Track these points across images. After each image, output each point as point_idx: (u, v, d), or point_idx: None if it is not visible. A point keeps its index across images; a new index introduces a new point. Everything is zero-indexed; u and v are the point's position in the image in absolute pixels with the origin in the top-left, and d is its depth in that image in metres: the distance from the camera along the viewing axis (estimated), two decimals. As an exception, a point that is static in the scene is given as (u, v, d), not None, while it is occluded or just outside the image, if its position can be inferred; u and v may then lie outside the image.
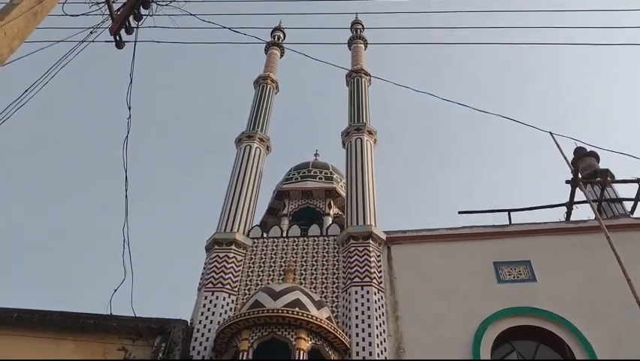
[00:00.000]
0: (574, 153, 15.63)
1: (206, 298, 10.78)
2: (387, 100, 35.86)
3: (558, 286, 10.56)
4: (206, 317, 10.42)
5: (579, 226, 11.70)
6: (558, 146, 11.86)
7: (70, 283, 35.59)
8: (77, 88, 40.50)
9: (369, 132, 14.59)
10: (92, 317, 9.92)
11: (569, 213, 13.61)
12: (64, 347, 9.68)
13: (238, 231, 12.18)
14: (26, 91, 6.89)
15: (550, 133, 11.84)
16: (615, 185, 13.85)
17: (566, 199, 13.51)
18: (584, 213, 17.09)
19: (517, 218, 12.76)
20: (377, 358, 9.41)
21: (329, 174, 15.86)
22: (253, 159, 14.22)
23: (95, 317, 9.87)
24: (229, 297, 10.89)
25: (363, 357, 9.44)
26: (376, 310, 10.22)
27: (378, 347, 9.63)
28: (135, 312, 9.52)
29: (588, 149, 14.78)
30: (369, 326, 9.92)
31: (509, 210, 12.71)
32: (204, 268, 11.60)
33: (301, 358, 8.94)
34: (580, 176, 12.74)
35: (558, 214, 13.67)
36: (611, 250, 9.70)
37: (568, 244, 11.35)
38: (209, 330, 10.17)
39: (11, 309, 10.10)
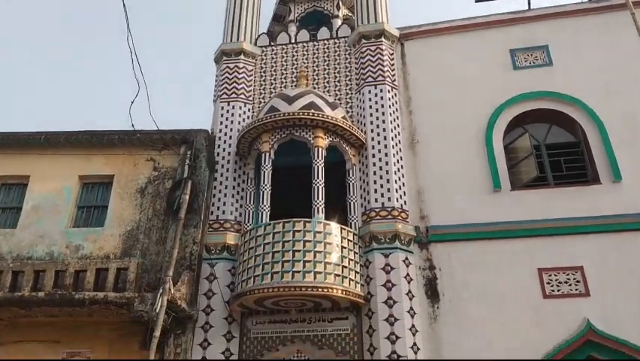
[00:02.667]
0: None
1: (222, 108, 10.97)
2: None
3: (574, 68, 10.41)
4: (226, 126, 10.73)
5: (601, 4, 11.06)
6: None
7: (91, 108, 36.36)
8: None
9: None
10: (116, 133, 10.30)
11: (591, -7, 12.79)
12: (95, 161, 10.25)
13: (245, 40, 11.89)
14: None
15: None
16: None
17: (590, -22, 12.56)
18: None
19: (537, 3, 12.13)
20: (392, 150, 9.78)
21: (335, -27, 14.78)
22: (253, -39, 13.23)
23: (120, 133, 10.25)
24: (245, 106, 11.06)
25: (379, 150, 9.81)
26: (390, 107, 10.35)
27: (392, 140, 9.95)
28: (157, 125, 9.79)
29: None
30: (383, 122, 10.14)
31: (529, -5, 12.00)
32: (216, 80, 11.62)
33: (320, 154, 9.36)
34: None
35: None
36: (633, 27, 9.36)
37: (588, 26, 10.90)
38: (230, 137, 10.54)
39: (39, 132, 10.50)
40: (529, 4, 11.92)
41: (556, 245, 8.70)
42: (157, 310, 7.73)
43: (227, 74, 11.40)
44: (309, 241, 8.43)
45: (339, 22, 13.29)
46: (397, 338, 8.10)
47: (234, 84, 11.27)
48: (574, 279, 8.45)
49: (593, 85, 10.16)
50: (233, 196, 9.88)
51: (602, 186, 9.22)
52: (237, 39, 11.90)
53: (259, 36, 12.25)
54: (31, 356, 8.46)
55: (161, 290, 7.92)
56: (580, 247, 8.64)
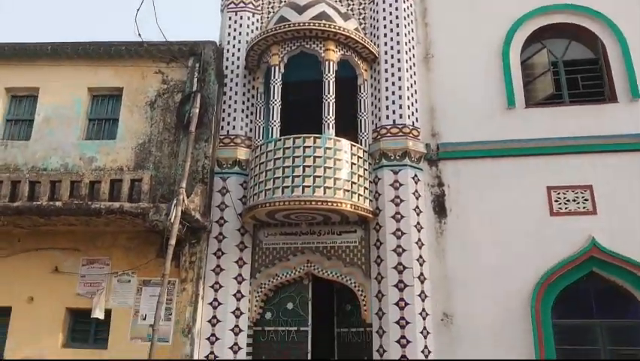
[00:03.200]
0: None
1: (230, 18, 10.60)
2: None
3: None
4: (234, 37, 10.43)
5: None
6: None
7: (98, 22, 35.47)
8: None
9: None
10: (123, 44, 10.09)
11: None
12: (103, 73, 10.13)
13: (254, -56, 11.25)
14: None
15: None
16: None
17: None
18: None
19: None
20: (405, 64, 9.55)
21: None
22: None
23: (127, 44, 10.03)
24: (253, 16, 10.68)
25: (392, 65, 9.57)
26: (405, 19, 9.96)
27: (406, 54, 9.67)
28: (164, 36, 9.54)
29: None
30: (397, 34, 9.80)
31: None
32: (224, -12, 11.14)
33: (331, 68, 9.17)
34: None
35: None
36: None
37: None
38: (239, 50, 10.29)
39: (45, 43, 10.31)
40: None
41: (567, 164, 8.70)
42: (172, 220, 7.97)
43: (234, -19, 10.90)
44: (319, 157, 8.48)
45: None
46: (404, 250, 8.36)
47: (242, -8, 10.81)
48: (582, 197, 8.53)
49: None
50: (243, 111, 9.82)
51: (618, 104, 9.06)
52: (244, -58, 11.26)
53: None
54: (52, 261, 8.89)
55: (175, 201, 8.11)
56: (591, 166, 8.64)
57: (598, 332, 8.06)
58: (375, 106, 9.47)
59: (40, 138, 9.79)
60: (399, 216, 8.56)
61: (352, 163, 8.71)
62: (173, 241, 7.95)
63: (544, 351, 7.81)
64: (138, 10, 7.83)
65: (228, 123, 9.74)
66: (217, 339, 8.46)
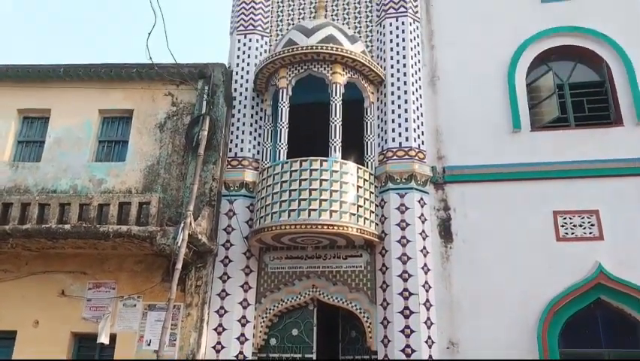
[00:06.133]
0: None
1: (239, 41, 10.75)
2: None
3: (605, 3, 9.90)
4: (243, 60, 10.56)
5: None
6: None
7: (109, 43, 35.92)
8: None
9: None
10: (134, 66, 10.23)
11: None
12: (113, 95, 10.28)
13: (263, -32, 11.42)
14: None
15: None
16: None
17: None
18: None
19: None
20: (411, 87, 9.61)
21: None
22: None
23: (138, 66, 10.17)
24: (262, 39, 10.82)
25: (398, 87, 9.64)
26: (411, 41, 10.04)
27: (412, 76, 9.74)
28: (174, 58, 9.67)
29: None
30: (403, 57, 9.88)
31: None
32: (233, 11, 11.30)
33: (338, 90, 9.25)
34: None
35: None
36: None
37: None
38: (247, 72, 10.41)
39: (57, 65, 10.48)
40: None
41: (574, 188, 8.69)
42: (179, 244, 8.02)
43: (244, 4, 11.05)
44: (326, 180, 8.53)
45: (360, -52, 12.63)
46: (410, 275, 8.36)
47: (251, 16, 10.96)
48: (588, 222, 8.50)
49: (624, 23, 9.71)
50: (250, 133, 9.92)
51: (624, 127, 9.04)
52: (254, -33, 11.43)
53: (277, -36, 11.75)
54: (58, 284, 8.95)
55: (182, 224, 8.17)
56: (597, 191, 8.61)
57: (606, 362, 7.98)
58: (382, 128, 9.52)
59: (51, 159, 9.92)
60: (405, 240, 8.57)
61: (358, 186, 8.75)
62: (179, 265, 8.00)
63: (551, 379, 7.76)
64: (149, 34, 7.97)
65: (236, 145, 9.83)
66: (221, 366, 8.44)
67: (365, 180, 8.92)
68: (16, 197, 9.14)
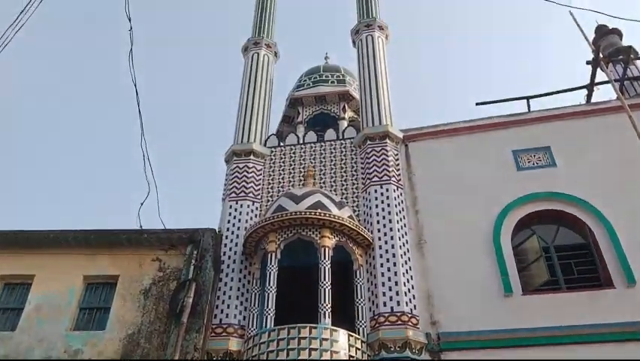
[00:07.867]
0: (595, 31, 14.98)
1: (231, 207, 11.07)
2: (396, -12, 34.02)
3: (578, 169, 10.52)
4: (233, 224, 10.77)
5: (600, 107, 11.43)
6: (578, 25, 11.37)
7: (102, 207, 36.79)
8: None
9: (380, 28, 14.06)
10: (124, 232, 10.34)
11: (589, 96, 13.26)
12: (100, 261, 10.21)
13: (255, 141, 12.25)
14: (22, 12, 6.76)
15: (570, 12, 11.28)
16: (639, 62, 13.32)
17: (587, 82, 13.08)
18: (605, 94, 16.79)
19: (536, 105, 12.52)
20: (399, 250, 9.69)
21: (341, 77, 15.52)
22: (262, 67, 13.99)
23: (127, 232, 10.29)
24: (253, 204, 11.17)
25: (386, 250, 9.72)
26: (396, 206, 10.40)
27: (400, 240, 9.89)
28: (165, 225, 9.86)
29: (610, 26, 14.12)
30: (390, 221, 10.14)
31: (528, 98, 12.44)
32: (226, 180, 11.82)
33: (326, 254, 9.28)
34: (601, 56, 12.29)
35: (578, 98, 13.40)
36: (632, 129, 9.60)
37: (588, 127, 11.17)
38: (237, 236, 10.55)
39: (47, 231, 10.56)
40: (528, 107, 12.30)
41: (571, 355, 8.29)
42: None
43: (237, 174, 11.62)
44: (315, 350, 8.14)
45: (345, 123, 13.75)
46: None
47: (244, 183, 11.46)
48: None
49: (598, 186, 10.20)
50: (237, 298, 9.69)
51: (615, 290, 8.97)
52: (248, 140, 12.28)
53: (269, 137, 12.66)
54: None
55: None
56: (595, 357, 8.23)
57: None
58: (372, 292, 9.38)
59: (27, 328, 9.48)
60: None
61: (350, 355, 8.32)
62: None
63: None
64: (142, 203, 8.22)
65: (222, 311, 9.53)
66: None
67: (357, 348, 8.52)
68: (-18, 371, 8.53)
